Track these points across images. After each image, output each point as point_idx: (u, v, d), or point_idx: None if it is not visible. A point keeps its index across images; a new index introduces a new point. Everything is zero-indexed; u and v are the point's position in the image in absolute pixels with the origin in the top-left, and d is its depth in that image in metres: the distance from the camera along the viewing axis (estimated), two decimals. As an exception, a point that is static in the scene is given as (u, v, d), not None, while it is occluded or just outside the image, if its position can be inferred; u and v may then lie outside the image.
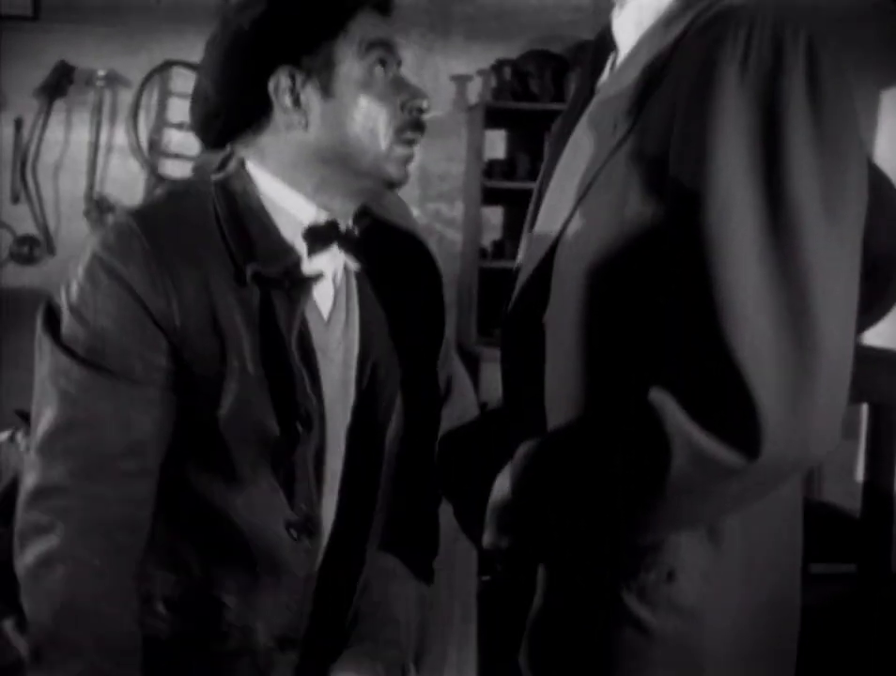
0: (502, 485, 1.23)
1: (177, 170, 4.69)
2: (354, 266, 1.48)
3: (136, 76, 4.64)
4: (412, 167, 4.60)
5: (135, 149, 4.69)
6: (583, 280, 1.19)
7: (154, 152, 4.70)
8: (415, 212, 5.15)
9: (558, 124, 1.40)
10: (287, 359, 1.37)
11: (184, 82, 4.65)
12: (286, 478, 1.42)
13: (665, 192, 1.13)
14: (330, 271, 1.44)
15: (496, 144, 4.87)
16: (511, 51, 4.73)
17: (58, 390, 1.36)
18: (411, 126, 1.41)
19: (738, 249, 1.06)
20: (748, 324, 1.06)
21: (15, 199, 4.64)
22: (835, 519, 3.26)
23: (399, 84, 1.41)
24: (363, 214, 1.48)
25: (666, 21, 1.22)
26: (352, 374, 1.49)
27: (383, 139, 1.39)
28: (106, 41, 4.60)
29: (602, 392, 1.21)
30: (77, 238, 4.63)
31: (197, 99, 1.44)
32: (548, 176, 1.33)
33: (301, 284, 1.39)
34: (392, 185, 1.44)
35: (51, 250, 4.69)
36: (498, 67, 4.68)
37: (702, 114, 1.09)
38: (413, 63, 4.78)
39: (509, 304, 1.33)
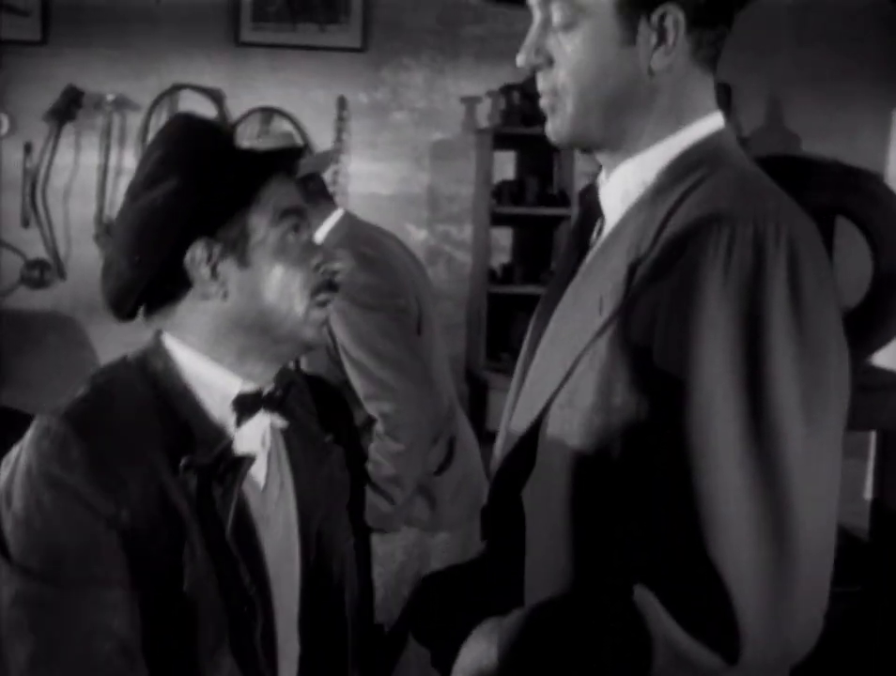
0: (488, 652, 1.25)
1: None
2: (280, 423, 1.49)
3: (145, 100, 4.65)
4: (422, 188, 4.56)
5: (145, 173, 4.69)
6: (568, 462, 1.22)
7: (163, 175, 4.70)
8: (424, 234, 5.17)
9: (548, 287, 1.42)
10: (227, 543, 1.37)
11: (193, 105, 4.65)
12: (243, 659, 1.39)
13: (650, 386, 1.15)
14: (258, 436, 1.45)
15: (505, 165, 4.86)
16: (520, 72, 4.72)
17: (27, 618, 1.30)
18: (325, 288, 1.44)
19: (719, 454, 1.09)
20: (728, 530, 1.08)
21: (25, 223, 4.65)
22: (842, 541, 3.23)
23: (312, 248, 1.44)
24: (283, 374, 1.50)
25: (652, 194, 1.24)
26: (294, 542, 1.51)
27: (299, 304, 1.41)
28: (115, 65, 4.61)
29: (585, 572, 1.23)
30: (87, 262, 4.63)
31: (109, 274, 1.43)
32: (535, 341, 1.36)
33: (235, 467, 1.39)
34: (309, 348, 1.47)
35: (61, 274, 4.69)
36: (507, 90, 4.68)
37: (685, 317, 1.11)
38: (423, 85, 4.79)
39: (495, 470, 1.36)
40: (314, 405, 1.60)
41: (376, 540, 2.93)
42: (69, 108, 4.55)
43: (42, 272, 4.68)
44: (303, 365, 2.91)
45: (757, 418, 1.08)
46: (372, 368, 2.84)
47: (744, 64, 4.83)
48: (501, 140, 4.65)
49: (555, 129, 1.30)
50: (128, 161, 4.69)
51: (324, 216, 2.98)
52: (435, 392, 2.97)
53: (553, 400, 1.24)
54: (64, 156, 4.65)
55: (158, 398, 1.38)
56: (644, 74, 1.24)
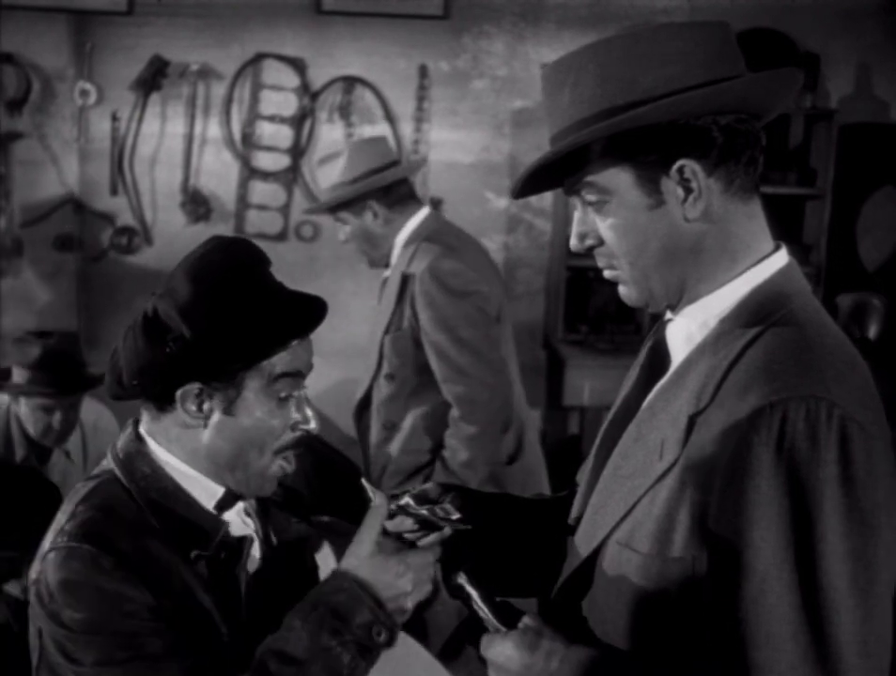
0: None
1: (269, 162, 4.75)
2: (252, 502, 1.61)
3: (229, 69, 4.69)
4: (503, 156, 4.58)
5: (228, 142, 4.75)
6: (624, 599, 1.28)
7: (247, 144, 4.75)
8: (504, 202, 5.14)
9: (615, 409, 1.48)
10: (244, 621, 1.50)
11: (276, 74, 4.70)
12: None
13: (705, 542, 1.19)
14: (239, 518, 1.57)
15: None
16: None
17: None
18: (294, 445, 1.52)
19: (773, 628, 1.13)
20: None
21: (113, 191, 4.74)
22: None
23: (300, 405, 1.52)
24: None
25: (714, 340, 1.27)
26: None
27: (267, 456, 1.50)
28: (199, 35, 4.66)
29: None
30: (173, 229, 4.72)
31: (113, 373, 1.51)
32: (601, 462, 1.40)
33: (237, 549, 1.52)
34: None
35: (148, 240, 4.79)
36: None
37: (739, 495, 1.15)
38: (504, 52, 4.77)
39: (559, 583, 1.41)
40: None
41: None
42: (154, 78, 4.61)
43: (130, 239, 4.78)
44: (387, 350, 3.02)
45: (809, 595, 1.12)
46: (451, 353, 2.91)
47: (832, 31, 4.73)
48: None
49: (626, 296, 1.35)
50: (212, 130, 4.75)
51: (410, 215, 3.06)
52: (508, 381, 3.03)
53: (612, 535, 1.30)
54: (150, 125, 4.72)
55: (151, 501, 1.49)
56: (683, 226, 1.27)
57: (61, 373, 3.14)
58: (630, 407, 1.40)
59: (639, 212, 1.27)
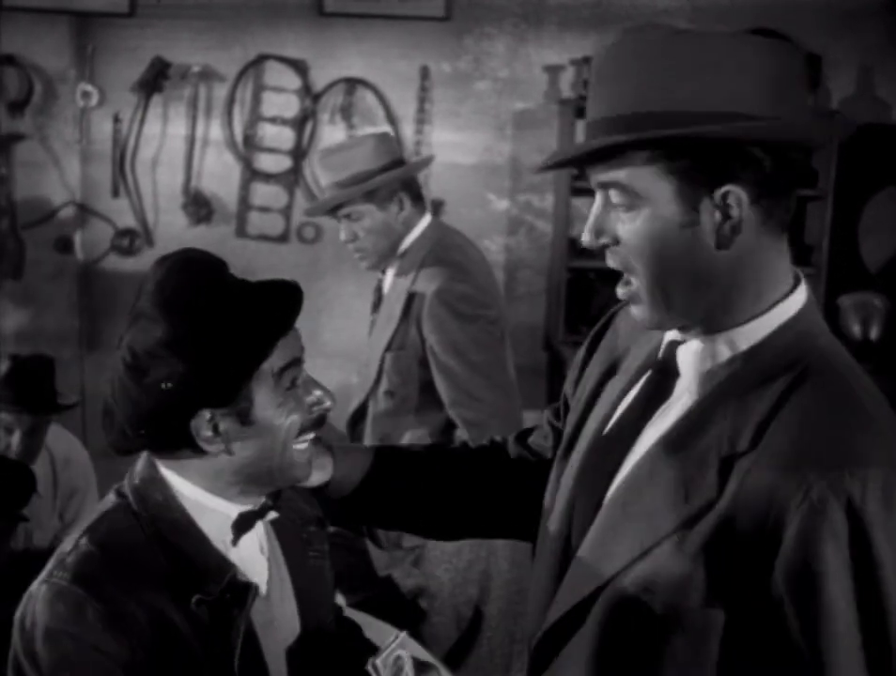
0: None
1: (270, 163, 4.75)
2: (272, 515, 1.56)
3: (230, 70, 4.69)
4: (504, 158, 4.55)
5: (230, 143, 4.75)
6: (636, 640, 1.23)
7: (248, 146, 4.76)
8: (505, 203, 5.15)
9: (604, 430, 1.40)
10: (235, 673, 1.44)
11: (278, 76, 4.70)
12: None
13: (741, 605, 1.15)
14: (256, 545, 1.53)
15: (588, 134, 4.81)
16: (605, 40, 4.65)
17: None
18: (314, 425, 1.51)
19: None
20: None
21: (115, 193, 4.74)
22: None
23: (307, 386, 1.49)
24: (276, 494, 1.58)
25: (744, 377, 1.23)
26: (297, 633, 1.58)
27: (293, 447, 1.47)
28: (200, 37, 4.66)
29: None
30: (175, 230, 4.72)
31: (111, 427, 1.46)
32: (591, 485, 1.35)
33: (242, 596, 1.45)
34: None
35: (149, 241, 4.79)
36: (588, 60, 4.63)
37: (810, 600, 1.11)
38: (505, 54, 4.76)
39: (545, 623, 1.35)
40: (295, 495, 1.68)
41: None
42: (156, 79, 4.61)
43: (132, 240, 4.78)
44: (387, 367, 2.98)
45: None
46: (462, 376, 2.88)
47: (834, 31, 4.72)
48: (583, 110, 4.58)
49: (639, 318, 1.29)
50: (214, 132, 4.74)
51: (421, 217, 3.03)
52: (518, 405, 3.01)
53: (621, 574, 1.24)
54: (152, 127, 4.72)
55: (160, 534, 1.44)
56: (711, 250, 1.21)
57: (26, 391, 3.09)
58: (625, 434, 1.34)
59: (669, 226, 1.21)
